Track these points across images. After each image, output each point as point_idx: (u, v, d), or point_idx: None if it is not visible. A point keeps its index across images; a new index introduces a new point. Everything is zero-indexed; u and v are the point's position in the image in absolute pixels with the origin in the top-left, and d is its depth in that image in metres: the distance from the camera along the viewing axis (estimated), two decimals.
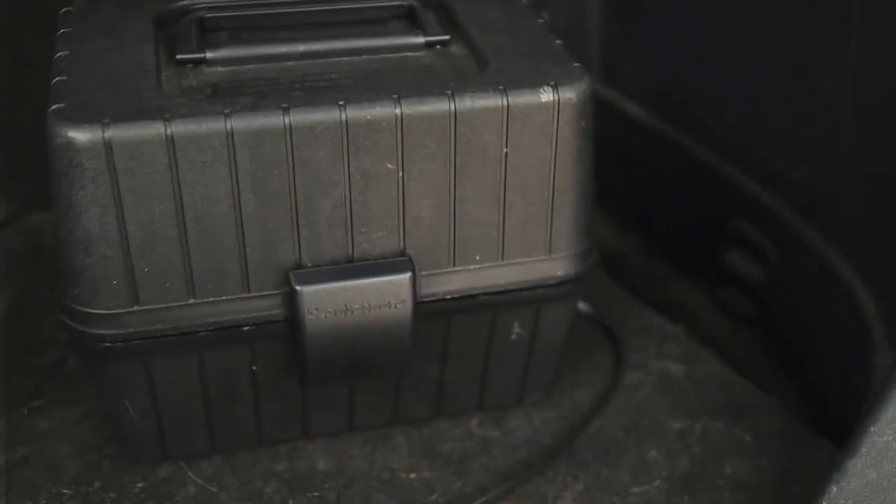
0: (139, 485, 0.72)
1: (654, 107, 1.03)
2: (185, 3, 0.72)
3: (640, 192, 1.08)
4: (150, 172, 0.59)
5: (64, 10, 0.70)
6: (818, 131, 0.82)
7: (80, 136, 0.57)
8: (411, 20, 0.73)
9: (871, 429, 0.63)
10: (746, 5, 0.87)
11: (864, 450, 0.62)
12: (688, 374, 0.84)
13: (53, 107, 0.59)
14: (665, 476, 0.74)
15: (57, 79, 0.62)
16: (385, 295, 0.65)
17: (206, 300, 0.64)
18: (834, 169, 0.81)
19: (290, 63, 0.68)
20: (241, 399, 0.71)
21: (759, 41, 0.87)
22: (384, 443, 0.77)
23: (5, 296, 0.89)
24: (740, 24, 0.89)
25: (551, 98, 0.64)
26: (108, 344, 0.63)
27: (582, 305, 0.88)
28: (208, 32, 0.70)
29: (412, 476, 0.74)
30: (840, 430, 0.77)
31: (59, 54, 0.65)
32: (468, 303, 0.69)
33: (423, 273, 0.67)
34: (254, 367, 0.68)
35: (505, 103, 0.63)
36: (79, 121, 0.58)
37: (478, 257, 0.68)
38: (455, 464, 0.75)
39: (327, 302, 0.64)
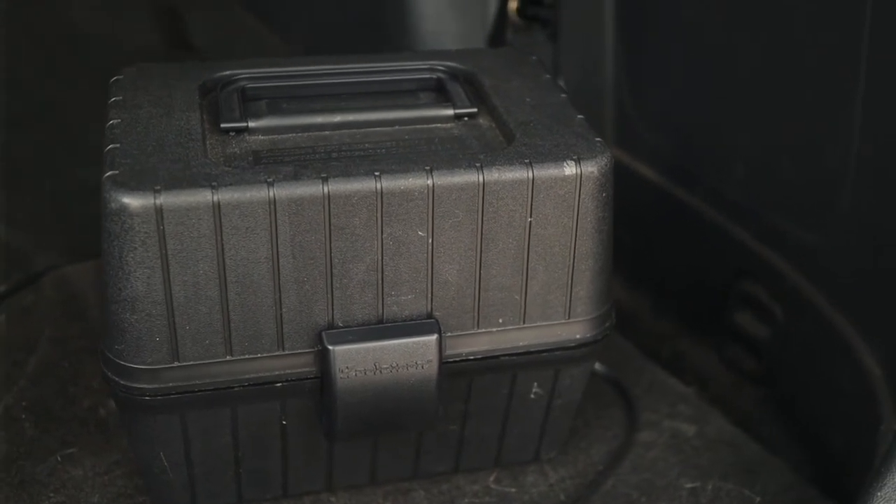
0: None
1: (665, 168, 1.06)
2: (227, 72, 0.76)
3: (649, 251, 1.11)
4: (197, 237, 0.62)
5: (114, 78, 0.74)
6: (823, 194, 0.84)
7: (133, 202, 0.61)
8: (440, 92, 0.77)
9: (878, 493, 0.65)
10: (755, 71, 0.91)
11: None
12: (698, 434, 0.86)
13: (108, 173, 0.63)
14: None
15: (110, 146, 0.65)
16: (413, 355, 0.68)
17: (242, 357, 0.67)
18: (838, 232, 0.84)
19: (327, 132, 0.71)
20: (269, 451, 0.73)
21: (767, 105, 0.90)
22: (404, 496, 0.79)
23: (41, 345, 0.91)
24: (748, 89, 0.92)
25: (574, 171, 0.68)
26: (147, 398, 0.66)
27: (596, 364, 0.91)
28: (249, 101, 0.74)
29: None
30: (846, 491, 0.79)
31: (111, 122, 0.68)
32: (490, 363, 0.72)
33: (449, 334, 0.70)
34: (284, 422, 0.71)
35: (530, 176, 0.67)
36: (133, 187, 0.61)
37: (501, 320, 0.71)
38: None
39: (358, 361, 0.67)
